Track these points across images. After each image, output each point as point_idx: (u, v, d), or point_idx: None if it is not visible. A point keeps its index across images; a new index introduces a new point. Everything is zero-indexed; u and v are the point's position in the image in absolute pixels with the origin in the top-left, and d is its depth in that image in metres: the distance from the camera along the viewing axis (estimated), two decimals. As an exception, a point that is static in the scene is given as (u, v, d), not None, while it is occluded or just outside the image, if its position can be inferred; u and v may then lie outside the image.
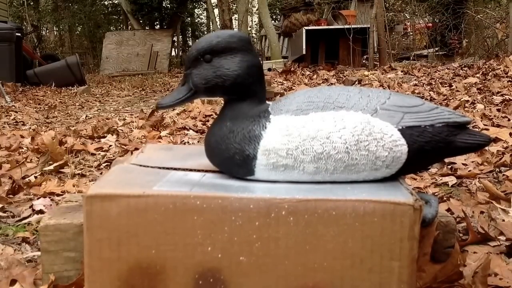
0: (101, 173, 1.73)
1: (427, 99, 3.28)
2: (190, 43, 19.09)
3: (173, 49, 13.92)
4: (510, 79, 3.86)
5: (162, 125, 2.69)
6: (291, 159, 0.66)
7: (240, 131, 0.68)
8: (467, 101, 3.00)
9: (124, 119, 3.15)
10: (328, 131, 0.65)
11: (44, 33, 16.34)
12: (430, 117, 0.68)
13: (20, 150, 2.13)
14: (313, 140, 0.65)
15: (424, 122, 0.67)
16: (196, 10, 18.67)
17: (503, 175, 1.46)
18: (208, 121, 2.84)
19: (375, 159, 0.66)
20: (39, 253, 1.01)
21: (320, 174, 0.66)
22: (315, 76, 5.82)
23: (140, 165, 0.78)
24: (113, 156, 1.99)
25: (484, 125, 2.14)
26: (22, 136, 2.46)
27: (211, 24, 15.80)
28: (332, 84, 4.93)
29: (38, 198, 1.41)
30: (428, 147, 0.67)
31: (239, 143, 0.67)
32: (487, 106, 2.74)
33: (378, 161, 0.66)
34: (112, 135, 2.45)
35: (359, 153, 0.65)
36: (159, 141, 2.26)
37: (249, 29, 14.39)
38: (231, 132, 0.68)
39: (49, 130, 2.74)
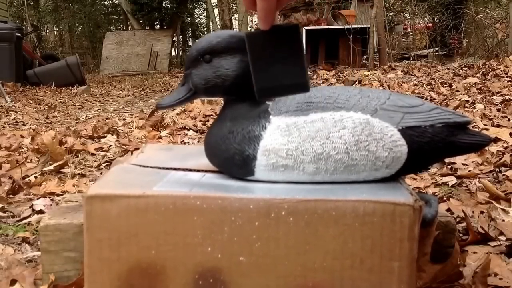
0: (101, 173, 1.73)
1: (427, 99, 3.28)
2: (190, 43, 19.09)
3: (173, 49, 13.92)
4: (510, 79, 3.86)
5: (162, 125, 2.69)
6: (291, 159, 0.65)
7: (240, 132, 0.68)
8: (467, 101, 2.99)
9: (124, 119, 3.15)
10: (328, 131, 0.65)
11: (44, 33, 16.33)
12: (430, 118, 0.68)
13: (20, 150, 2.13)
14: (313, 140, 0.65)
15: (424, 122, 0.67)
16: (196, 10, 18.67)
17: (503, 175, 1.46)
18: (208, 121, 2.84)
19: (375, 159, 0.66)
20: (39, 253, 1.01)
21: (320, 174, 0.66)
22: (315, 76, 5.82)
23: (140, 165, 0.78)
24: (113, 156, 1.99)
25: (484, 125, 2.14)
26: (22, 136, 2.46)
27: (211, 24, 15.80)
28: (332, 84, 4.93)
29: (38, 198, 1.41)
30: (428, 148, 0.67)
31: (238, 143, 0.67)
32: (487, 106, 2.74)
33: (378, 161, 0.66)
34: (112, 135, 2.45)
35: (359, 154, 0.65)
36: (159, 141, 2.26)
37: (249, 29, 14.39)
38: (231, 132, 0.68)
39: (49, 130, 2.74)
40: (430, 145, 0.67)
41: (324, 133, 0.65)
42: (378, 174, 0.67)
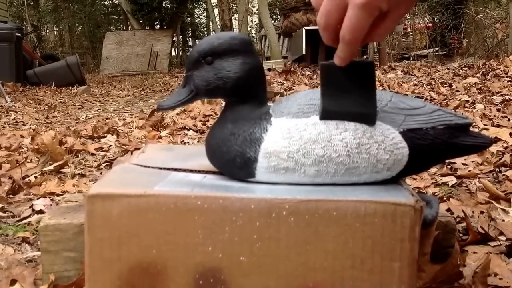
0: (101, 173, 1.73)
1: (427, 99, 3.28)
2: (190, 43, 19.09)
3: (173, 49, 13.92)
4: (510, 79, 3.87)
5: (162, 125, 2.69)
6: (292, 162, 0.65)
7: (241, 134, 0.68)
8: (467, 101, 3.00)
9: (124, 119, 3.15)
10: (329, 134, 0.65)
11: (44, 33, 16.34)
12: (431, 120, 0.68)
13: (20, 150, 2.13)
14: (314, 143, 0.65)
15: (425, 124, 0.67)
16: (196, 10, 18.69)
17: (503, 175, 1.46)
18: (208, 121, 2.84)
19: (376, 162, 0.65)
20: (39, 253, 1.01)
21: (321, 177, 0.66)
22: (315, 76, 5.82)
23: (141, 166, 0.78)
24: (113, 156, 2.00)
25: (484, 125, 2.14)
26: (22, 136, 2.46)
27: (211, 24, 15.81)
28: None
29: (38, 198, 1.41)
30: (429, 150, 0.67)
31: (240, 145, 0.67)
32: (487, 106, 2.75)
33: (379, 164, 0.66)
34: (112, 135, 2.45)
35: (360, 156, 0.65)
36: (159, 141, 2.26)
37: (249, 29, 14.39)
38: (232, 134, 0.68)
39: (49, 130, 2.74)
40: (431, 147, 0.67)
41: (325, 135, 0.65)
42: (379, 176, 0.67)
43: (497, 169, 1.53)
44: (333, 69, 0.64)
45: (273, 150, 0.66)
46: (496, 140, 1.82)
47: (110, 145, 2.20)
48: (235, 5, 14.56)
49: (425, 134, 0.67)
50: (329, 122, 0.65)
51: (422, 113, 0.68)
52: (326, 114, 0.65)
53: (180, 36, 17.13)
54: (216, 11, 11.90)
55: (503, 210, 1.17)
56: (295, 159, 0.65)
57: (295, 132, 0.65)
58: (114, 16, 17.39)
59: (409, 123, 0.67)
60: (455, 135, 0.68)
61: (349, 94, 0.65)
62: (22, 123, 3.48)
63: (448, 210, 1.18)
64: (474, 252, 0.95)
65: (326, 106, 0.65)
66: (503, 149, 1.73)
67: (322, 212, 0.60)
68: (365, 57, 8.09)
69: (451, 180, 1.45)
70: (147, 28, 13.12)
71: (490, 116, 2.39)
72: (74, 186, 1.51)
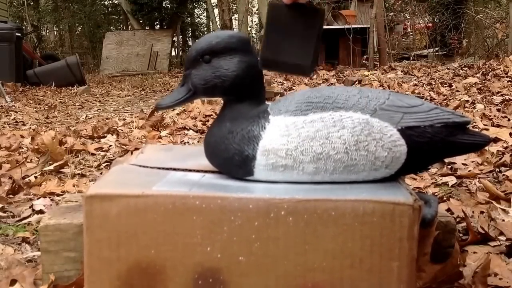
0: (101, 173, 1.73)
1: (427, 99, 3.28)
2: (190, 43, 19.08)
3: (173, 49, 13.92)
4: (510, 79, 3.87)
5: (162, 125, 2.69)
6: (291, 159, 0.65)
7: (239, 132, 0.68)
8: (467, 101, 3.00)
9: (124, 119, 3.15)
10: (327, 131, 0.65)
11: (44, 33, 16.34)
12: (429, 118, 0.68)
13: (20, 150, 2.13)
14: (312, 140, 0.65)
15: (423, 122, 0.67)
16: (196, 10, 18.67)
17: (503, 175, 1.46)
18: (208, 121, 2.84)
19: (375, 159, 0.66)
20: (39, 253, 1.01)
21: (320, 174, 0.66)
22: (315, 76, 5.82)
23: (140, 166, 0.78)
24: (113, 156, 2.00)
25: (484, 125, 2.14)
26: (22, 136, 2.46)
27: (211, 24, 15.81)
28: (332, 84, 4.93)
29: (38, 198, 1.41)
30: (427, 148, 0.67)
31: (238, 143, 0.67)
32: (487, 106, 2.74)
33: (377, 161, 0.66)
34: (112, 135, 2.45)
35: (358, 153, 0.65)
36: (159, 141, 2.26)
37: (249, 29, 14.39)
38: (230, 132, 0.68)
39: (49, 130, 2.74)
40: (429, 145, 0.67)
41: (323, 133, 0.65)
42: (377, 174, 0.67)
43: (497, 169, 1.53)
44: (281, 11, 0.63)
45: (271, 147, 0.66)
46: (496, 140, 1.82)
47: (110, 145, 2.20)
48: (235, 5, 14.57)
49: (423, 132, 0.67)
50: (327, 119, 0.65)
51: (420, 111, 0.68)
52: (265, 63, 0.66)
53: (180, 36, 17.13)
54: (216, 11, 11.90)
55: (503, 210, 1.17)
56: (294, 156, 0.65)
57: (293, 129, 0.66)
58: (114, 16, 17.38)
59: (407, 121, 0.67)
60: (453, 133, 0.68)
61: (290, 42, 0.64)
62: (22, 123, 3.48)
63: (448, 210, 1.18)
64: (474, 252, 0.95)
65: (265, 54, 0.65)
66: (503, 149, 1.73)
67: (321, 212, 0.60)
68: (364, 57, 8.08)
69: (451, 180, 1.45)
70: (147, 28, 13.12)
71: (490, 116, 2.39)
72: (74, 186, 1.51)
